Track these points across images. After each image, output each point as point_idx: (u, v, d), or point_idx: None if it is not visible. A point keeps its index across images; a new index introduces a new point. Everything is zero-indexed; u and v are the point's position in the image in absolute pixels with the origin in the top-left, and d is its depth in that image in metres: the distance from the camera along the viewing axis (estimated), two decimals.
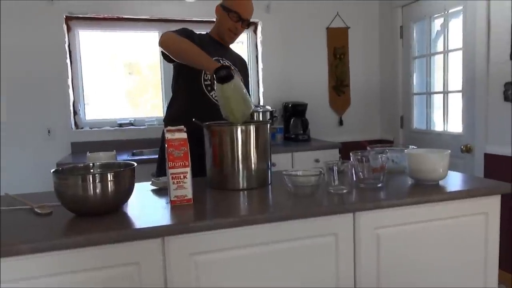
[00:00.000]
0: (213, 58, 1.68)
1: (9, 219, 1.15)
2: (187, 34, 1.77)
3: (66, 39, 3.03)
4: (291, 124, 3.35)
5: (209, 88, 1.83)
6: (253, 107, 1.55)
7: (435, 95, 3.23)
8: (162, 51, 1.75)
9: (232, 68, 1.56)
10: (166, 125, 1.67)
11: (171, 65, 1.89)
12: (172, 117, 1.86)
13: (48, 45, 2.95)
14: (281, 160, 2.81)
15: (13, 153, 2.91)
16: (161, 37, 1.69)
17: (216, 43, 1.90)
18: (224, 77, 1.44)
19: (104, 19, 3.10)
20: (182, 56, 1.64)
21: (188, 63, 1.65)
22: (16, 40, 2.88)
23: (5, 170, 2.89)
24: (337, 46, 3.69)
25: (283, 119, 3.42)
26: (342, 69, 3.71)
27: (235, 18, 1.80)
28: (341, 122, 3.71)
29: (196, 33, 1.86)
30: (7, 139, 2.90)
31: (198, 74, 1.80)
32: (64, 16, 3.00)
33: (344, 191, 1.28)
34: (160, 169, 1.92)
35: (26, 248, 0.93)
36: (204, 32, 1.94)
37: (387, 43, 3.68)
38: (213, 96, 1.82)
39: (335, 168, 1.30)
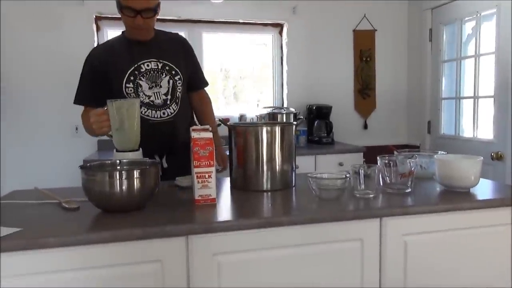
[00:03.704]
0: (131, 68, 1.63)
1: (38, 213, 1.18)
2: (83, 76, 1.70)
3: (96, 39, 3.10)
4: (314, 126, 3.31)
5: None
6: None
7: (464, 100, 3.13)
8: None
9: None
10: None
11: None
12: None
13: (78, 45, 3.01)
14: (304, 163, 2.79)
15: (43, 149, 2.99)
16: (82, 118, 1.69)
17: (133, 45, 1.68)
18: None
19: None
20: (90, 133, 1.59)
21: (90, 133, 1.57)
22: (47, 39, 2.96)
23: (36, 165, 2.97)
24: (364, 48, 3.63)
25: (306, 121, 3.39)
26: (368, 72, 3.66)
27: (131, 13, 1.56)
28: (365, 126, 3.65)
29: (102, 50, 1.72)
30: (39, 135, 2.98)
31: (119, 86, 1.66)
32: (94, 16, 3.06)
33: (371, 195, 1.25)
34: None
35: (53, 241, 0.95)
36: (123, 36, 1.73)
37: (416, 46, 3.60)
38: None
39: (362, 172, 1.27)
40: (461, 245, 1.24)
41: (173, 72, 1.71)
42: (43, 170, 2.97)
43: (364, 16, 3.60)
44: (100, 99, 1.55)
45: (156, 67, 1.68)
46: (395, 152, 1.58)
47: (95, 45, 3.08)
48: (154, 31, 1.73)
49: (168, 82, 1.70)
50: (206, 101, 1.92)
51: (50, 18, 2.95)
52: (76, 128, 3.05)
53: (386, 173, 1.33)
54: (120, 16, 1.63)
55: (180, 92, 1.74)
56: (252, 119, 3.35)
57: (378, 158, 1.38)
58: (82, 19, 3.02)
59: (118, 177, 1.10)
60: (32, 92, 2.96)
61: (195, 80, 1.84)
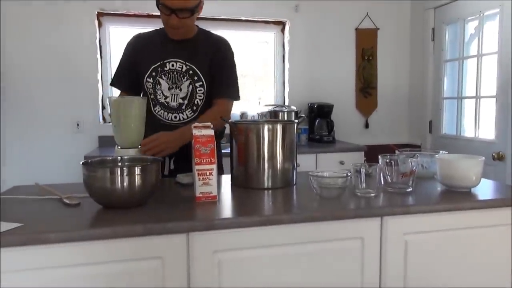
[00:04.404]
0: (156, 63, 1.61)
1: (38, 208, 1.17)
2: (122, 57, 1.70)
3: (97, 35, 3.09)
4: (316, 125, 3.31)
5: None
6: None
7: (466, 100, 3.13)
8: None
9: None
10: None
11: None
12: None
13: (80, 41, 3.02)
14: (305, 161, 2.79)
15: (44, 145, 3.00)
16: None
17: (168, 40, 1.64)
18: None
19: (135, 15, 3.15)
20: None
21: None
22: (49, 35, 2.96)
23: (37, 160, 2.97)
24: (366, 47, 3.63)
25: (308, 119, 3.38)
26: (370, 71, 3.65)
27: (166, 11, 1.52)
28: (367, 125, 3.65)
29: (138, 39, 1.70)
30: (40, 131, 2.98)
31: (142, 80, 1.65)
32: (96, 12, 3.06)
33: (372, 194, 1.25)
34: None
35: (54, 237, 0.95)
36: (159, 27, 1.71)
37: (418, 45, 3.59)
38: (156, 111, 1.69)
39: (363, 171, 1.27)
40: (462, 245, 1.23)
41: (196, 77, 1.64)
42: (44, 165, 2.97)
43: (367, 14, 3.59)
44: (135, 86, 1.61)
45: (180, 68, 1.62)
46: (396, 151, 1.57)
47: (97, 41, 3.08)
48: (197, 30, 1.68)
49: (188, 87, 1.64)
50: (213, 110, 1.66)
51: (52, 14, 2.95)
52: (77, 124, 3.05)
53: (387, 172, 1.33)
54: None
55: (200, 100, 1.66)
56: (254, 117, 3.35)
57: (379, 157, 1.38)
58: (84, 15, 3.02)
59: (119, 173, 1.10)
60: (33, 88, 2.96)
61: (217, 89, 1.68)
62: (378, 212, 1.15)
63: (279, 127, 1.41)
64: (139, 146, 1.42)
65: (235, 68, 1.74)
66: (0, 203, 1.20)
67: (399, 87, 3.72)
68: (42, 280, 0.95)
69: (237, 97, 1.74)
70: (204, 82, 1.66)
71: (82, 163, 1.14)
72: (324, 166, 2.83)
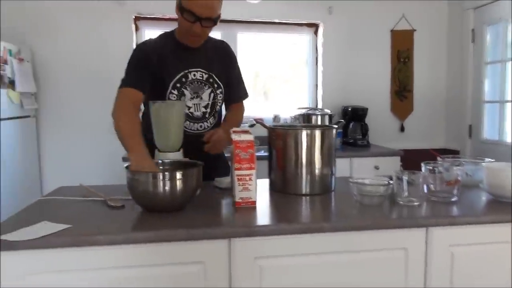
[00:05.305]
0: (180, 74, 1.57)
1: (84, 210, 1.21)
2: (137, 62, 1.57)
3: (134, 38, 3.16)
4: (349, 128, 3.26)
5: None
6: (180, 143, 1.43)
7: (509, 103, 3.00)
8: None
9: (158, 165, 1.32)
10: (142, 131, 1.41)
11: None
12: (143, 126, 1.47)
13: (117, 44, 3.09)
14: (339, 166, 2.68)
15: (83, 145, 3.09)
16: (114, 103, 1.50)
17: (183, 49, 1.61)
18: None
19: (170, 19, 3.20)
20: (119, 139, 1.39)
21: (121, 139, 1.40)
22: (87, 38, 3.05)
23: (75, 160, 3.07)
24: (401, 49, 3.54)
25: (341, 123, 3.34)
26: (406, 73, 3.56)
27: (191, 18, 1.48)
28: (402, 129, 3.56)
29: (154, 48, 1.60)
30: (78, 132, 3.08)
31: (163, 91, 1.59)
32: (133, 17, 3.13)
33: (415, 203, 1.21)
34: None
35: (101, 239, 0.97)
36: (170, 31, 1.67)
37: (457, 47, 3.48)
38: None
39: (405, 179, 1.24)
40: (510, 258, 1.18)
41: (216, 85, 1.65)
42: (83, 165, 3.06)
43: (403, 16, 3.50)
44: (146, 89, 1.52)
45: (201, 78, 1.62)
46: (439, 158, 1.52)
47: (134, 45, 3.15)
48: None
49: (209, 95, 1.64)
50: (240, 111, 1.77)
51: (90, 17, 3.04)
52: None
53: (430, 180, 1.29)
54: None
55: (219, 106, 1.69)
56: (286, 120, 3.34)
57: (422, 164, 1.34)
58: (121, 19, 3.09)
59: (161, 177, 1.12)
60: (71, 88, 3.05)
61: (236, 92, 1.74)
62: (423, 223, 1.11)
63: (317, 133, 1.40)
64: (179, 150, 1.44)
65: (240, 68, 1.78)
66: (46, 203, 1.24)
67: (436, 90, 3.62)
68: (88, 280, 0.98)
69: (247, 96, 1.81)
70: (223, 90, 1.67)
71: (126, 167, 1.16)
72: (358, 171, 2.78)
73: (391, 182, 1.24)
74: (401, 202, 1.23)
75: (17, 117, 2.64)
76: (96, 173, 2.97)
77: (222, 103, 1.71)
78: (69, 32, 3.03)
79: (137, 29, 3.20)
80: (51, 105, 3.04)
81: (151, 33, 3.26)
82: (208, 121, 1.66)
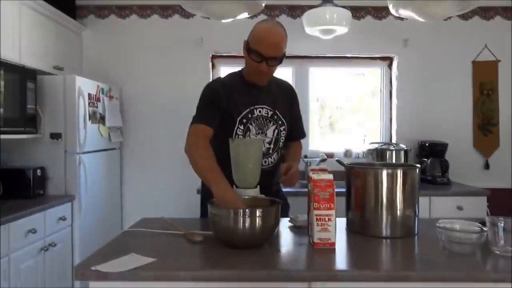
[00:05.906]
0: (246, 110, 1.61)
1: (165, 243, 1.26)
2: (208, 100, 1.64)
3: (211, 75, 3.33)
4: (427, 164, 3.08)
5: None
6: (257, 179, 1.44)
7: None
8: None
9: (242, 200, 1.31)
10: None
11: None
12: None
13: (195, 81, 3.26)
14: None
15: (160, 177, 3.26)
16: (186, 139, 1.58)
17: (250, 87, 1.65)
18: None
19: (243, 57, 3.33)
20: (198, 173, 1.47)
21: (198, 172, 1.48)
22: (170, 76, 3.27)
23: (155, 191, 3.24)
24: (485, 81, 3.33)
25: (418, 159, 3.17)
26: (490, 106, 3.32)
27: (257, 58, 1.54)
28: (487, 166, 3.29)
29: (223, 86, 1.65)
30: (159, 164, 3.26)
31: (230, 126, 1.63)
32: (211, 55, 3.31)
33: None
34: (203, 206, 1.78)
35: (183, 275, 1.00)
36: (238, 71, 1.74)
37: None
38: None
39: (502, 225, 1.13)
40: None
41: (280, 122, 1.68)
42: (160, 196, 3.22)
43: (485, 46, 3.31)
44: (216, 126, 1.58)
45: (267, 114, 1.67)
46: None
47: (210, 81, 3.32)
48: None
49: (274, 131, 1.67)
50: (300, 148, 1.85)
51: (172, 56, 3.27)
52: None
53: None
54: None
55: (282, 142, 1.72)
56: (358, 155, 3.25)
57: None
58: (200, 58, 3.28)
59: (241, 214, 1.14)
60: (153, 124, 3.27)
61: (296, 131, 1.80)
62: None
63: (399, 173, 1.34)
64: (256, 186, 1.45)
65: (300, 109, 1.84)
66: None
67: None
68: None
69: (305, 136, 1.89)
70: (286, 127, 1.71)
71: (209, 203, 1.20)
72: (439, 211, 2.58)
73: (484, 229, 1.14)
74: (497, 252, 1.12)
75: (105, 150, 2.87)
76: (172, 204, 3.10)
77: (284, 140, 1.73)
78: (152, 71, 3.27)
79: (213, 67, 3.38)
80: (134, 138, 3.27)
81: (226, 69, 3.41)
82: (272, 156, 1.68)
